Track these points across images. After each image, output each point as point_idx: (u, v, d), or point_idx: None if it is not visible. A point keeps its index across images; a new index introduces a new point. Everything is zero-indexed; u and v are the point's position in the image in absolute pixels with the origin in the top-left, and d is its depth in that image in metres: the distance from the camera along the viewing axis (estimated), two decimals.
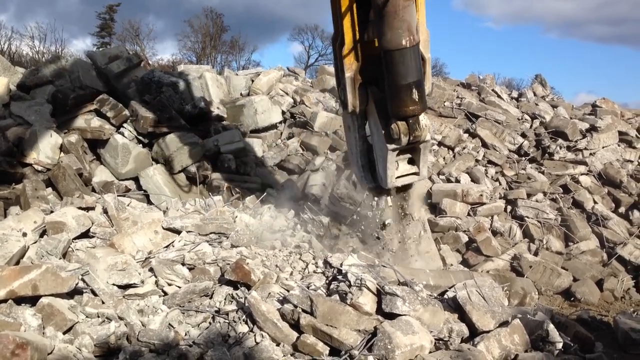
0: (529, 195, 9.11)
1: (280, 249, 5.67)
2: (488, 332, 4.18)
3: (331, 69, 14.11)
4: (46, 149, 8.33)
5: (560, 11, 77.64)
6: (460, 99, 11.80)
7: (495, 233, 8.36)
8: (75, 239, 5.31)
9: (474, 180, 9.27)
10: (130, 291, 4.53)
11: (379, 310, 4.12)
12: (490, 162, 10.02)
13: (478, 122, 10.88)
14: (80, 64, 10.22)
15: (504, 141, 10.61)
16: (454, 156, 10.15)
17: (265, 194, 7.82)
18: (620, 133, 10.97)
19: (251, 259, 5.05)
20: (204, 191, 8.70)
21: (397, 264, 5.33)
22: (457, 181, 9.10)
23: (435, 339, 4.07)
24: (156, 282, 4.71)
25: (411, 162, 5.71)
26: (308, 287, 4.40)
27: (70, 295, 4.32)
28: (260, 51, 75.54)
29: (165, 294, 4.59)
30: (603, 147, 10.55)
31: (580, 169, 9.87)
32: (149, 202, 7.87)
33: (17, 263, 4.65)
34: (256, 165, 9.62)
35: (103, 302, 4.41)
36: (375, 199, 6.19)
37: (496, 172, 9.79)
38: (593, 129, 10.89)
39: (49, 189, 8.10)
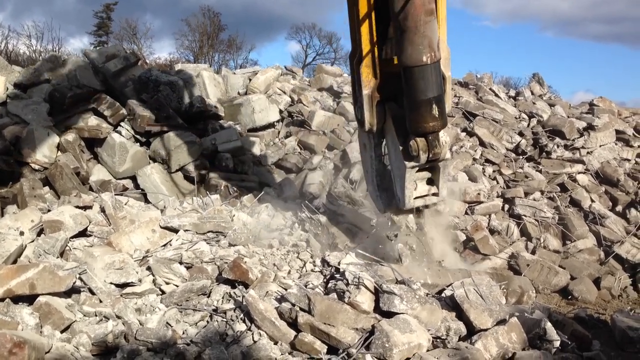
0: (526, 194, 9.12)
1: (278, 248, 5.68)
2: (485, 330, 4.18)
3: (328, 67, 14.16)
4: (43, 147, 8.31)
5: (557, 9, 77.70)
6: (458, 98, 11.80)
7: (492, 232, 8.37)
8: (72, 237, 5.30)
9: (472, 179, 9.28)
10: (128, 290, 4.54)
11: (377, 309, 4.12)
12: (487, 160, 10.02)
13: (475, 120, 10.88)
14: (77, 63, 10.20)
15: (501, 140, 10.62)
16: (451, 155, 10.14)
17: (262, 192, 7.82)
18: (618, 132, 10.98)
19: (249, 257, 5.06)
20: (201, 190, 8.70)
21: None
22: (455, 180, 9.11)
23: (432, 337, 4.08)
24: (154, 281, 4.71)
25: (430, 182, 5.51)
26: (306, 286, 4.40)
27: (67, 294, 4.32)
28: (257, 50, 75.54)
29: (163, 292, 4.59)
30: (600, 146, 10.57)
31: (578, 168, 9.88)
32: (147, 201, 7.86)
33: (15, 262, 4.65)
34: (254, 164, 9.63)
35: (100, 301, 4.41)
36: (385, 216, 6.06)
37: (494, 171, 9.80)
38: (590, 127, 10.90)
39: (46, 188, 8.10)
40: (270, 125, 11.04)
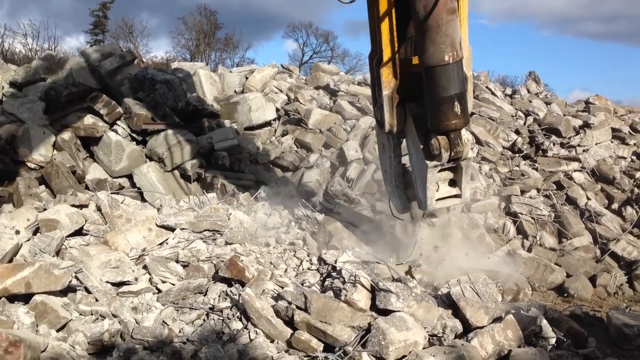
0: (522, 192, 9.12)
1: (274, 246, 5.68)
2: (482, 327, 4.20)
3: (325, 65, 14.15)
4: (39, 146, 8.29)
5: (553, 8, 77.89)
6: None
7: (489, 229, 8.38)
8: (68, 236, 5.30)
9: None
10: (124, 289, 4.53)
11: (373, 307, 4.13)
12: (484, 158, 10.03)
13: (472, 119, 10.89)
14: (73, 61, 10.17)
15: (497, 138, 10.63)
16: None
17: (259, 191, 7.82)
18: (613, 130, 11.00)
19: (245, 256, 5.06)
20: (198, 188, 8.69)
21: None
22: None
23: (429, 335, 4.09)
24: (150, 280, 4.71)
25: (452, 184, 5.35)
26: (302, 284, 4.41)
27: (63, 293, 4.32)
28: (254, 49, 75.11)
29: (159, 291, 4.59)
30: (596, 144, 10.58)
31: (574, 166, 9.90)
32: (143, 200, 7.85)
33: (10, 261, 4.64)
34: (250, 163, 9.61)
35: (97, 300, 4.40)
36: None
37: (490, 169, 9.80)
38: (586, 125, 10.92)
39: (42, 187, 8.08)
40: (267, 124, 11.02)
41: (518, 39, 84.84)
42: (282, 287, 4.41)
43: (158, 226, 5.53)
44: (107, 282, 4.56)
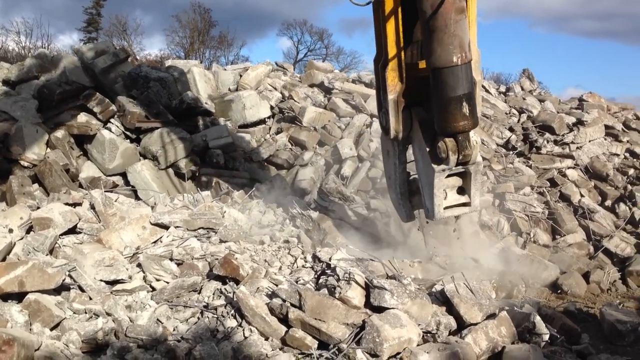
0: (516, 189, 9.15)
1: (269, 244, 5.68)
2: (475, 324, 4.20)
3: (319, 63, 14.11)
4: (32, 144, 8.26)
5: (548, 6, 78.02)
6: None
7: (483, 226, 8.40)
8: (62, 235, 5.28)
9: None
10: (118, 287, 4.52)
11: (368, 304, 4.14)
12: None
13: None
14: (66, 60, 10.12)
15: (491, 135, 10.66)
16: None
17: (254, 189, 7.82)
18: (607, 127, 11.05)
19: (240, 253, 5.06)
20: (192, 186, 8.68)
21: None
22: None
23: (423, 332, 4.09)
24: (144, 278, 4.70)
25: (460, 191, 5.14)
26: (297, 282, 4.41)
27: (57, 291, 4.31)
28: (248, 46, 75.14)
29: (154, 289, 4.58)
30: (590, 141, 10.63)
31: (567, 163, 9.94)
32: (137, 198, 7.85)
33: (4, 259, 4.62)
34: (245, 160, 9.60)
35: (90, 298, 4.39)
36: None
37: (484, 166, 9.83)
38: (580, 122, 10.96)
39: (36, 185, 8.05)
40: (261, 122, 11.01)
41: (512, 37, 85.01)
42: (277, 285, 4.41)
43: (152, 224, 5.52)
44: (101, 280, 4.56)
